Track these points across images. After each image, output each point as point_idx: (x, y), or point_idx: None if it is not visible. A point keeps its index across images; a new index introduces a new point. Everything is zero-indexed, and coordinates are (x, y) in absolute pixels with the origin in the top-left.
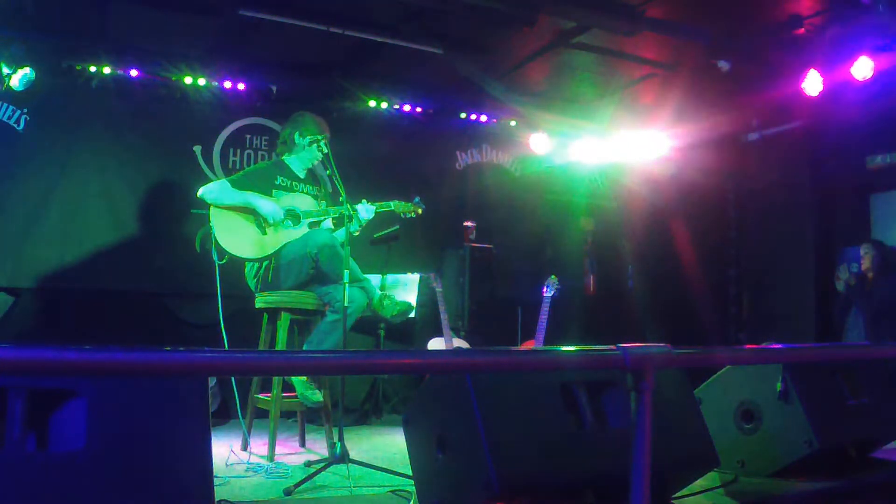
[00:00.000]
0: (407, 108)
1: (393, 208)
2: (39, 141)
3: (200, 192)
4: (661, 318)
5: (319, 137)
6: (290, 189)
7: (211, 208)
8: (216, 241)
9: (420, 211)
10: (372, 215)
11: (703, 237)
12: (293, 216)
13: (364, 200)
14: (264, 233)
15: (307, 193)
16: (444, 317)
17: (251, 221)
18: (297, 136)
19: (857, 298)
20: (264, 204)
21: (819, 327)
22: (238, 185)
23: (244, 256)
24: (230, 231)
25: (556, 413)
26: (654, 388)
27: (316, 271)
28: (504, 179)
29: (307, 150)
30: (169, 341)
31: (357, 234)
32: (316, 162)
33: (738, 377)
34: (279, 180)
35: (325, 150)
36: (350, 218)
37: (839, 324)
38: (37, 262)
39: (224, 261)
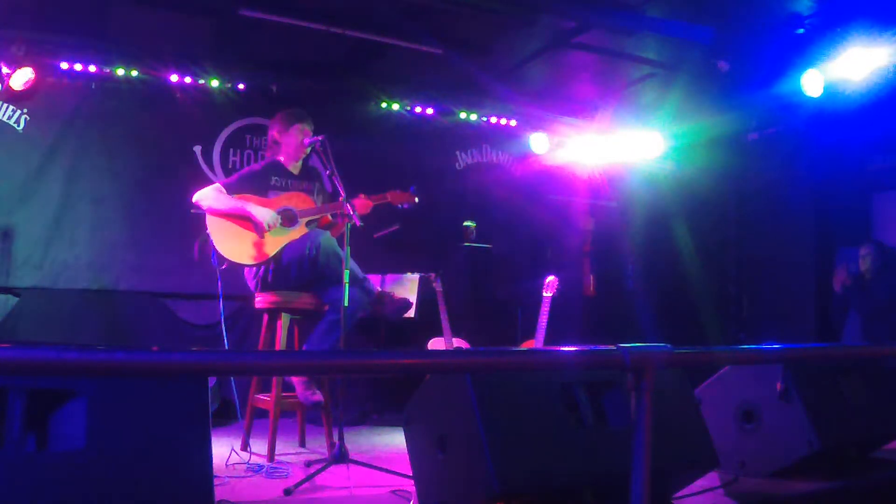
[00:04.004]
0: (407, 107)
1: (389, 200)
2: (39, 141)
3: (195, 198)
4: (661, 318)
5: (300, 126)
6: (285, 188)
7: (206, 215)
8: (214, 248)
9: (416, 200)
10: (368, 210)
11: (703, 237)
12: (289, 217)
13: (361, 199)
14: (262, 236)
15: (303, 191)
16: (444, 317)
17: (248, 225)
18: (276, 133)
19: (854, 299)
20: (258, 211)
21: (819, 327)
22: (233, 188)
23: (244, 263)
24: (228, 237)
25: (556, 413)
26: (654, 388)
27: (315, 272)
28: (504, 179)
29: (296, 140)
30: (169, 341)
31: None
32: (308, 152)
33: (738, 377)
34: (274, 180)
35: (316, 144)
36: (350, 217)
37: (837, 324)
38: (37, 262)
39: (224, 266)
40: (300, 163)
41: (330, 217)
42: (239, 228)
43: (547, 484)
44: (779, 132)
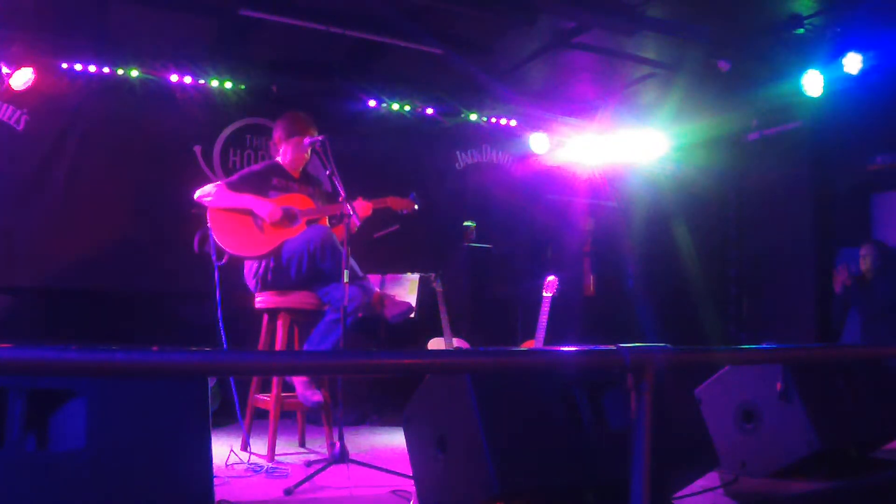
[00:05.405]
0: (407, 107)
1: (389, 205)
2: (39, 141)
3: (197, 195)
4: (661, 318)
5: (299, 139)
6: (285, 189)
7: (208, 210)
8: (215, 241)
9: (416, 207)
10: (369, 212)
11: (703, 237)
12: (290, 216)
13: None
14: (262, 231)
15: (303, 193)
16: (444, 317)
17: (249, 221)
18: (279, 138)
19: (854, 299)
20: (261, 205)
21: (819, 327)
22: (234, 187)
23: (243, 256)
24: (229, 230)
25: (556, 413)
26: (654, 388)
27: (315, 269)
28: (504, 179)
29: (296, 150)
30: (169, 341)
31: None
32: (308, 159)
33: (738, 377)
34: (275, 181)
35: (316, 144)
36: (349, 217)
37: (837, 325)
38: (37, 262)
39: (223, 261)
40: (300, 167)
41: (328, 221)
42: (240, 222)
43: (547, 484)
44: (779, 132)
